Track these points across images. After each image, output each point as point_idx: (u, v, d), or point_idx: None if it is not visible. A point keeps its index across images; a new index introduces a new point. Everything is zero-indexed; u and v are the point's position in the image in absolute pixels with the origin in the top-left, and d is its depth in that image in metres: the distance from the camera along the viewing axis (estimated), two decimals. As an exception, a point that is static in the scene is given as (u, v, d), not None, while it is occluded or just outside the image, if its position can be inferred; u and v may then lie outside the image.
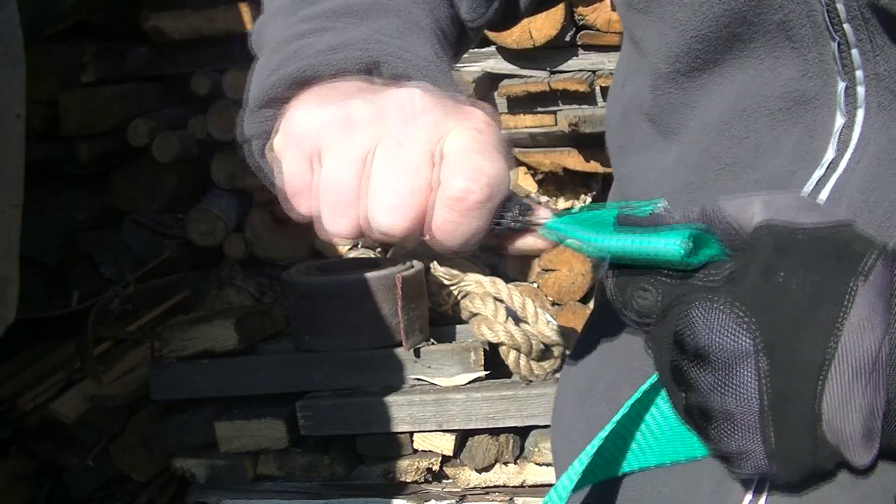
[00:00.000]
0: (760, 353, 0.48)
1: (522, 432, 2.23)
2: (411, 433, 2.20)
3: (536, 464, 2.19)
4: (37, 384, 2.40)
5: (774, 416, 0.49)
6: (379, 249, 2.63)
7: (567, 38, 2.39)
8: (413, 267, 2.20)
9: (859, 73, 0.56)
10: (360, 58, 0.59)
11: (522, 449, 2.23)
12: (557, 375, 2.19)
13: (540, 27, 2.32)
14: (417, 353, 2.19)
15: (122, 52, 2.71)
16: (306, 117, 0.55)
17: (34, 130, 2.36)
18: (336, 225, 0.54)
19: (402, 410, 2.16)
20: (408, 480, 2.22)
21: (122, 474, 2.48)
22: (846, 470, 0.52)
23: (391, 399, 2.16)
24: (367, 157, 0.52)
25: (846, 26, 0.55)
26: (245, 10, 2.54)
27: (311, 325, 2.19)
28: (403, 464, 2.21)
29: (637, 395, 0.59)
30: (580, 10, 2.35)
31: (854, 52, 0.55)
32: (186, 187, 2.83)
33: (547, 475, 2.19)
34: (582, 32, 2.39)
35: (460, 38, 0.75)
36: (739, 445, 0.51)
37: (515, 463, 2.22)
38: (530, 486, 2.21)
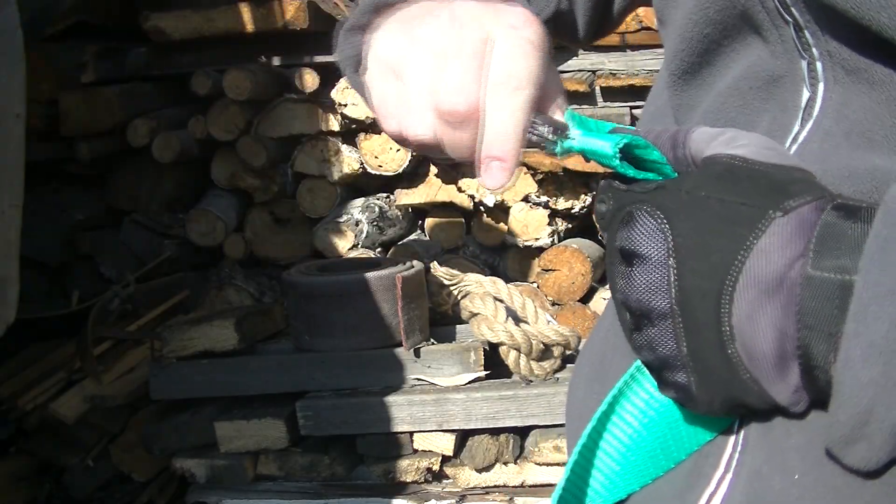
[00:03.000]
0: (671, 253, 0.53)
1: (522, 432, 2.23)
2: (411, 433, 2.20)
3: (536, 464, 2.19)
4: (37, 384, 2.40)
5: (683, 318, 0.53)
6: (379, 250, 2.63)
7: (567, 38, 2.39)
8: (413, 267, 2.20)
9: (815, 51, 0.59)
10: None
11: (522, 449, 2.23)
12: (558, 375, 2.20)
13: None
14: (417, 353, 2.19)
15: (122, 52, 2.71)
16: (386, 44, 0.65)
17: (34, 130, 2.36)
18: (414, 128, 0.63)
19: (402, 410, 2.16)
20: (408, 480, 2.22)
21: (122, 474, 2.48)
22: (795, 421, 0.54)
23: (391, 399, 2.16)
24: (435, 63, 0.62)
25: (793, 10, 0.59)
26: (245, 10, 2.54)
27: (311, 325, 2.19)
28: (403, 464, 2.21)
29: (593, 422, 0.62)
30: (580, 10, 2.35)
31: (806, 32, 0.59)
32: (186, 187, 2.83)
33: (547, 475, 2.19)
34: (582, 32, 2.39)
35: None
36: (657, 350, 0.55)
37: (515, 463, 2.22)
38: (530, 486, 2.21)
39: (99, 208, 2.80)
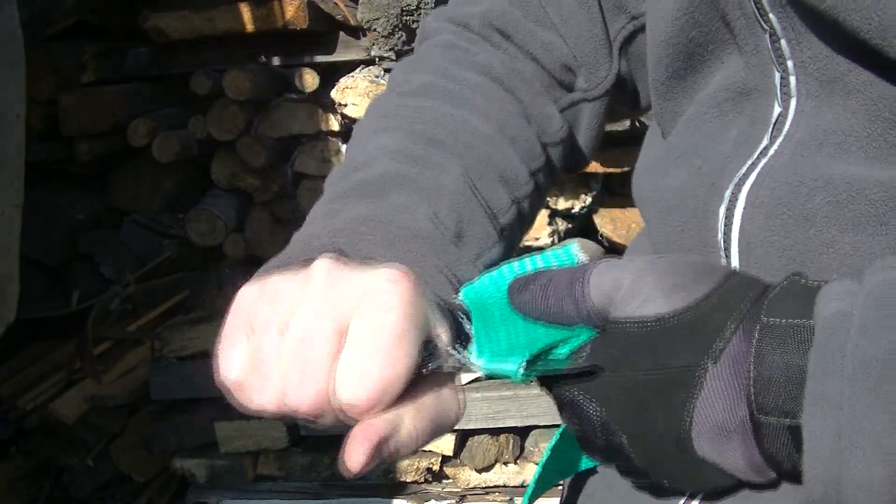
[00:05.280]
0: (619, 433, 0.53)
1: (522, 432, 2.23)
2: (411, 433, 2.20)
3: (536, 464, 2.19)
4: (37, 384, 2.40)
5: (653, 471, 0.54)
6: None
7: (567, 38, 2.40)
8: (413, 267, 2.20)
9: (790, 64, 0.59)
10: (325, 246, 0.62)
11: (522, 449, 2.23)
12: (557, 375, 2.20)
13: (540, 27, 2.32)
14: (417, 353, 2.19)
15: (122, 52, 2.72)
16: (241, 292, 0.57)
17: (34, 130, 2.37)
18: (258, 397, 0.54)
19: (402, 410, 2.16)
20: (408, 480, 2.22)
21: (122, 474, 2.48)
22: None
23: (391, 399, 2.16)
24: (287, 328, 0.53)
25: (772, 16, 0.58)
26: (245, 10, 2.54)
27: (311, 325, 2.20)
28: (403, 464, 2.21)
29: None
30: (580, 10, 2.35)
31: (783, 42, 0.58)
32: (186, 187, 2.83)
33: (547, 475, 2.19)
34: (582, 32, 2.39)
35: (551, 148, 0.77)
36: (640, 481, 0.56)
37: (515, 463, 2.22)
38: (530, 486, 2.21)
39: (99, 208, 2.80)
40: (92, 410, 2.40)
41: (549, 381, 0.56)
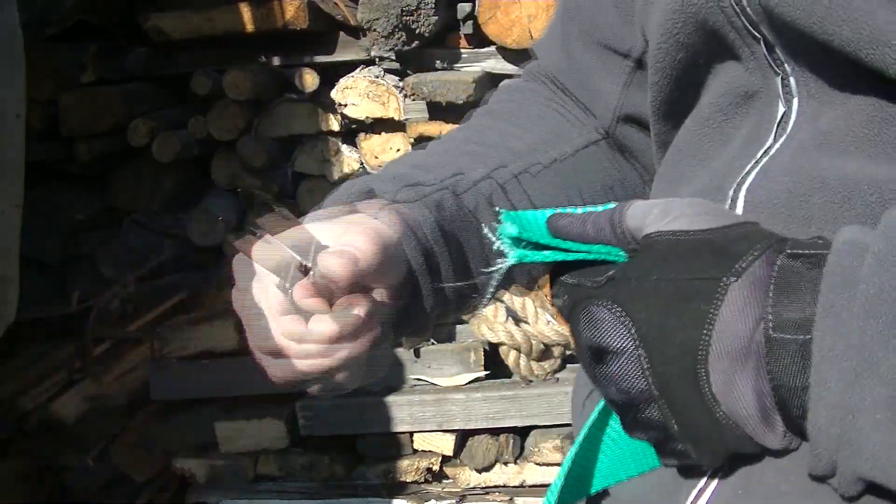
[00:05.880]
0: (638, 346, 0.53)
1: (522, 432, 2.23)
2: (411, 433, 2.20)
3: (536, 464, 2.19)
4: (37, 384, 2.39)
5: (666, 400, 0.53)
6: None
7: (567, 38, 2.39)
8: (413, 267, 2.19)
9: (787, 67, 0.60)
10: (359, 188, 0.78)
11: (522, 449, 2.23)
12: (558, 375, 2.20)
13: (540, 27, 2.32)
14: (417, 353, 2.19)
15: (122, 52, 2.71)
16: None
17: (34, 130, 2.36)
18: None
19: (402, 410, 2.16)
20: (408, 480, 2.22)
21: (122, 474, 2.48)
22: (775, 456, 0.55)
23: (391, 399, 2.16)
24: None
25: (762, 28, 0.59)
26: (245, 10, 2.54)
27: (311, 325, 2.19)
28: (403, 464, 2.21)
29: (593, 416, 0.63)
30: (580, 10, 2.35)
31: (777, 49, 0.59)
32: (186, 187, 2.83)
33: (547, 475, 2.19)
34: (582, 32, 2.39)
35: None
36: (650, 431, 0.55)
37: (515, 463, 2.21)
38: (530, 486, 2.21)
39: (99, 208, 2.80)
40: (92, 410, 2.40)
41: (571, 298, 0.57)
